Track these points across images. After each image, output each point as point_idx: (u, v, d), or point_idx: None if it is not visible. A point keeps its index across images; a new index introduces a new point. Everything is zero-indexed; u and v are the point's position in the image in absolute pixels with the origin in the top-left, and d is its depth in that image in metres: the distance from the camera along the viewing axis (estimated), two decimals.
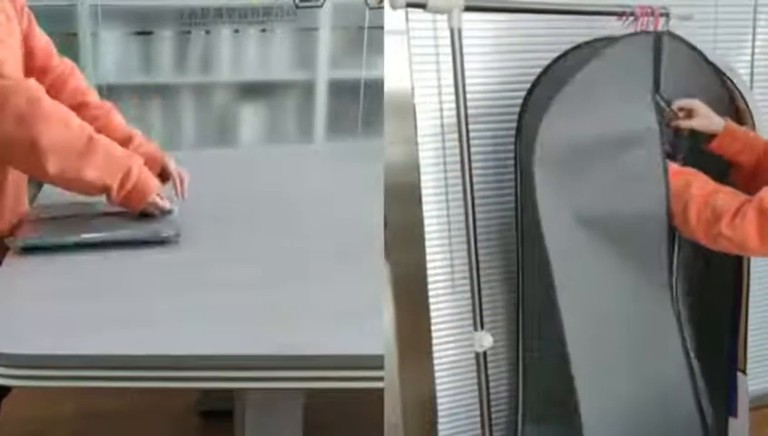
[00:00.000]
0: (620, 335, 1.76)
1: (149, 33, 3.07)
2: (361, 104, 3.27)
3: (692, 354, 1.87)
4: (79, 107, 1.82)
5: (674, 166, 1.71)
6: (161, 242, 1.71)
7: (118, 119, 1.90)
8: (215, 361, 1.36)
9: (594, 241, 1.70)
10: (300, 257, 1.69)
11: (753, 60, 2.19)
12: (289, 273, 1.62)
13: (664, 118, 1.74)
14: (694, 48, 1.80)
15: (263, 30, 3.15)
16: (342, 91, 3.29)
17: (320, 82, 3.28)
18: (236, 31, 3.13)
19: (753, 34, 2.19)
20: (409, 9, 1.70)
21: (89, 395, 2.46)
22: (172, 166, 1.86)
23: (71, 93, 1.87)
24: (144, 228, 1.73)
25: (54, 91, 1.82)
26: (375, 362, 1.37)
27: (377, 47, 3.07)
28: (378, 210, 1.82)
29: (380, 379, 1.39)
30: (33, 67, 1.82)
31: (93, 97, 1.91)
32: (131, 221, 1.74)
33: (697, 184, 1.65)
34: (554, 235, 1.66)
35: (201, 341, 1.38)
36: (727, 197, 1.59)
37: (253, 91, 3.26)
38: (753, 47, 2.19)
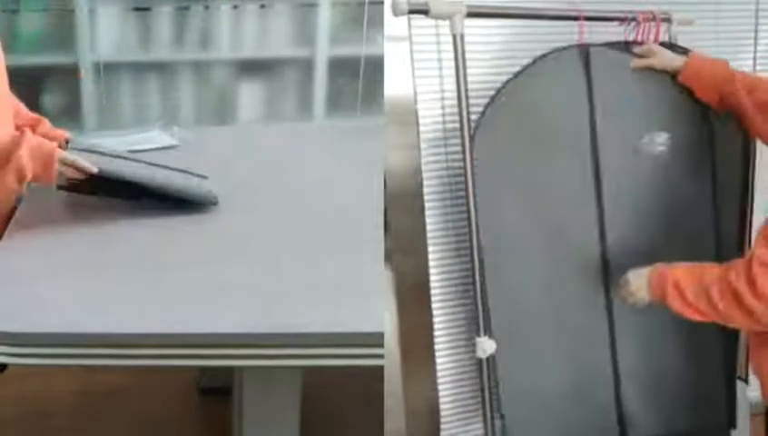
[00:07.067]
0: (547, 335, 1.81)
1: (147, 9, 3.03)
2: (361, 81, 3.26)
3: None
4: None
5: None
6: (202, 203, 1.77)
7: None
8: (215, 339, 1.37)
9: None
10: (299, 235, 1.70)
11: (755, 65, 2.18)
12: (288, 251, 1.63)
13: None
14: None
15: (262, 6, 3.12)
16: (342, 67, 3.27)
17: (319, 58, 3.25)
18: (235, 7, 3.10)
19: (755, 39, 2.18)
20: (411, 15, 1.70)
21: (90, 372, 2.51)
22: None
23: None
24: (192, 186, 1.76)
25: None
26: (374, 340, 1.38)
27: (377, 23, 3.04)
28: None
29: (379, 357, 1.40)
30: None
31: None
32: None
33: (709, 271, 1.54)
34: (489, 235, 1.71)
35: (200, 320, 1.39)
36: (714, 270, 1.52)
37: (252, 68, 3.23)
38: (755, 52, 2.17)
